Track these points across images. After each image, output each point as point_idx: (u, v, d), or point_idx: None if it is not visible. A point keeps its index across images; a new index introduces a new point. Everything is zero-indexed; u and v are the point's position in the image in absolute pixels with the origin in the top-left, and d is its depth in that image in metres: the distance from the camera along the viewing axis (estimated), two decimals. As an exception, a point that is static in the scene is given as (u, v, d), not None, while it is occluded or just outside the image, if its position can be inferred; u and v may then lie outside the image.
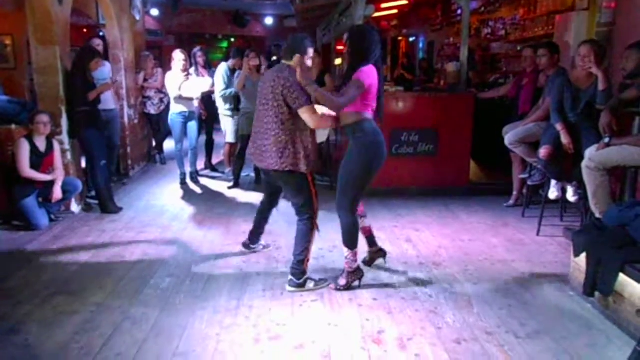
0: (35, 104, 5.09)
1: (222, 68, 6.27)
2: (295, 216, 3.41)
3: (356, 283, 3.41)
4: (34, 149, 4.58)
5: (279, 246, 4.16)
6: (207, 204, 5.45)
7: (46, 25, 4.74)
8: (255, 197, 5.71)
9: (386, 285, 3.45)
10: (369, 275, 3.60)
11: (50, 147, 4.72)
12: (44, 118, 4.62)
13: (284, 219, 4.66)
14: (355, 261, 3.40)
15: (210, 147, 7.32)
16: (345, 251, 3.36)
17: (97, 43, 5.97)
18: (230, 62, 6.33)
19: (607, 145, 3.58)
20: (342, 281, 3.38)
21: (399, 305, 3.17)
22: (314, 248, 4.12)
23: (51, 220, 4.74)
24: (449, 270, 3.70)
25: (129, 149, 6.82)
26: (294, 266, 3.36)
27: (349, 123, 3.25)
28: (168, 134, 7.18)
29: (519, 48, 7.80)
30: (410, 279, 3.56)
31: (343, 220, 3.33)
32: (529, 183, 4.86)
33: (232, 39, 15.37)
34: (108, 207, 5.09)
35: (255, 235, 4.02)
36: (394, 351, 2.67)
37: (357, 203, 3.36)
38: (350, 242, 3.35)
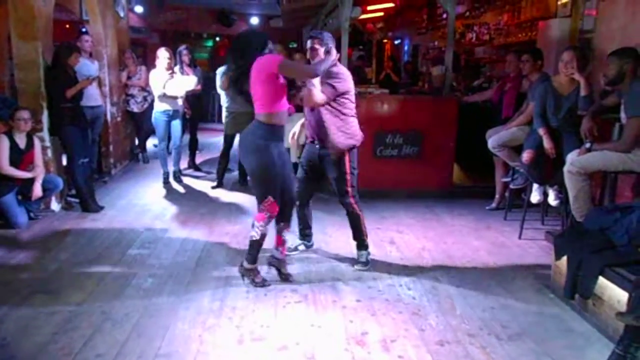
0: (15, 100, 5.00)
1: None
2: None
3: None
4: (13, 145, 4.50)
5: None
6: (190, 204, 5.40)
7: (28, 20, 4.65)
8: (239, 197, 5.69)
9: (370, 287, 3.45)
10: (353, 276, 3.61)
11: (30, 144, 4.63)
12: (25, 114, 4.53)
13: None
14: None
15: (194, 146, 7.26)
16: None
17: (86, 39, 5.90)
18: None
19: (588, 150, 3.64)
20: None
21: (382, 307, 3.18)
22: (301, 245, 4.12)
23: (31, 218, 4.66)
24: (432, 273, 3.72)
25: (111, 147, 6.73)
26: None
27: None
28: (151, 132, 7.11)
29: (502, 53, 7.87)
30: (393, 281, 3.57)
31: None
32: (511, 186, 4.91)
33: (217, 38, 15.27)
34: (89, 205, 5.01)
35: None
36: (378, 353, 2.67)
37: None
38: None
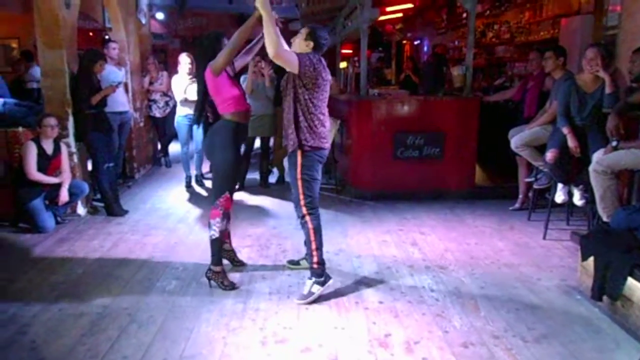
0: (41, 107, 5.12)
1: None
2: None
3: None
4: (41, 151, 4.60)
5: (284, 249, 4.16)
6: (213, 207, 5.45)
7: (53, 29, 4.76)
8: (261, 200, 5.72)
9: (392, 289, 3.44)
10: (375, 278, 3.60)
11: (57, 149, 4.74)
12: (52, 121, 4.64)
13: (289, 221, 4.67)
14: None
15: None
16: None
17: (113, 47, 6.02)
18: None
19: (615, 148, 3.57)
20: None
21: (405, 308, 3.16)
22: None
23: (57, 222, 4.76)
24: (455, 274, 3.69)
25: (134, 152, 6.85)
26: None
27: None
28: (173, 136, 7.21)
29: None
30: (416, 282, 3.55)
31: None
32: (535, 186, 4.84)
33: (237, 43, 15.43)
34: (114, 209, 5.10)
35: None
36: (401, 355, 2.66)
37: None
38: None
